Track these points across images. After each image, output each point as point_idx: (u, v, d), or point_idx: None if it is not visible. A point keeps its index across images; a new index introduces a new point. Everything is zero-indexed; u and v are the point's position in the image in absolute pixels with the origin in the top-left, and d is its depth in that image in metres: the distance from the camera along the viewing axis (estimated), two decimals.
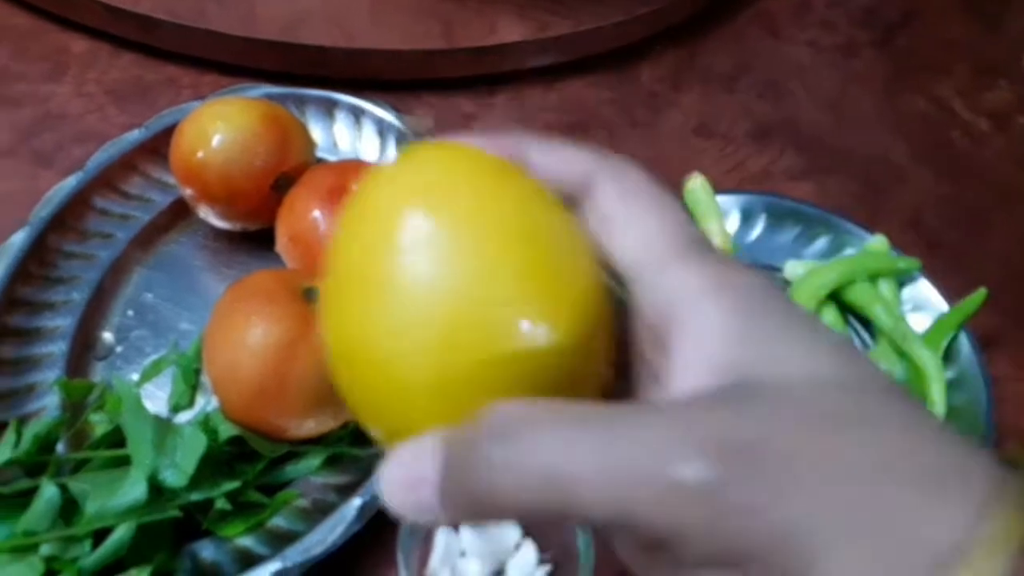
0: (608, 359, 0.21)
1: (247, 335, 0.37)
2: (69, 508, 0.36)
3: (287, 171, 0.47)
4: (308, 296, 0.40)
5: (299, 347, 0.37)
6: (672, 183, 0.54)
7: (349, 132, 0.54)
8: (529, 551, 0.40)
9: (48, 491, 0.35)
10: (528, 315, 0.19)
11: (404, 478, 0.19)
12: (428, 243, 0.19)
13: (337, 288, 0.21)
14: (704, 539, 0.16)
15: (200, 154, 0.45)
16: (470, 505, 0.18)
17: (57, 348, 0.45)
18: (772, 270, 0.55)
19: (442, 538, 0.40)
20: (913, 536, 0.16)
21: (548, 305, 0.19)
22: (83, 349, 0.46)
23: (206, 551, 0.39)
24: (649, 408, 0.20)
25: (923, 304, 0.53)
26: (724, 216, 0.54)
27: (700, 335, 0.19)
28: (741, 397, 0.18)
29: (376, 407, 0.21)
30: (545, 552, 0.40)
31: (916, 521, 0.16)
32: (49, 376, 0.43)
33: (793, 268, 0.54)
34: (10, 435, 0.37)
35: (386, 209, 0.20)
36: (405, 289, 0.19)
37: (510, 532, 0.41)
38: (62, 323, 0.46)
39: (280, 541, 0.38)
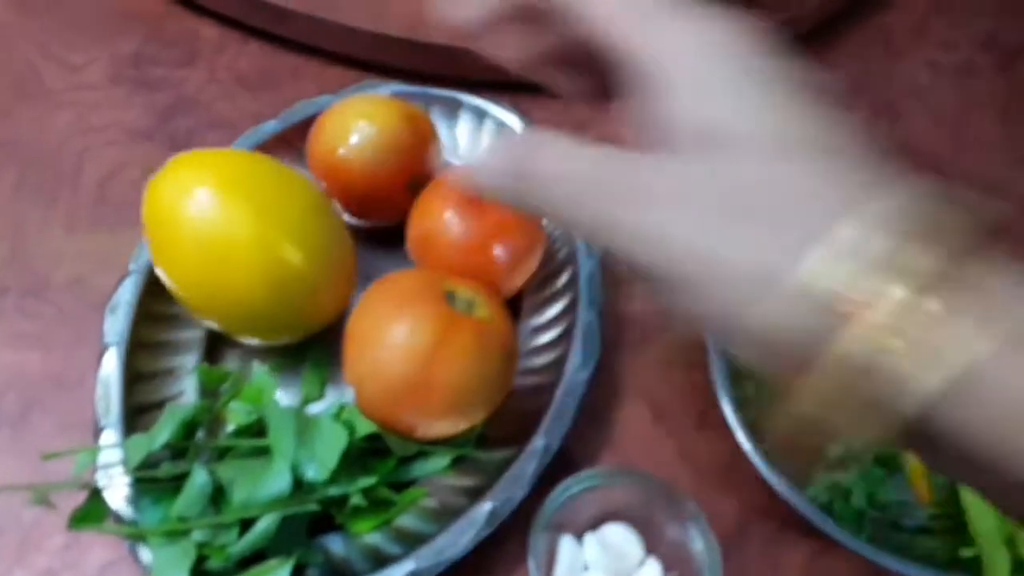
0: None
1: (392, 334, 0.38)
2: (217, 495, 0.37)
3: (420, 171, 0.47)
4: (450, 299, 0.40)
5: (443, 349, 0.37)
6: None
7: (472, 134, 0.54)
8: (654, 568, 0.40)
9: (200, 477, 0.36)
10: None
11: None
12: None
13: None
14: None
15: (341, 150, 0.46)
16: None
17: (195, 335, 0.45)
18: None
19: (567, 550, 0.40)
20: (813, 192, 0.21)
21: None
22: (218, 336, 0.46)
23: (336, 546, 0.39)
24: None
25: None
26: None
27: (677, 93, 0.23)
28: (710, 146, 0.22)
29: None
30: (670, 570, 0.40)
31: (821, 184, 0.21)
32: (188, 361, 0.44)
33: None
34: (166, 419, 0.38)
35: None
36: None
37: (633, 548, 0.41)
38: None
39: (408, 541, 0.39)
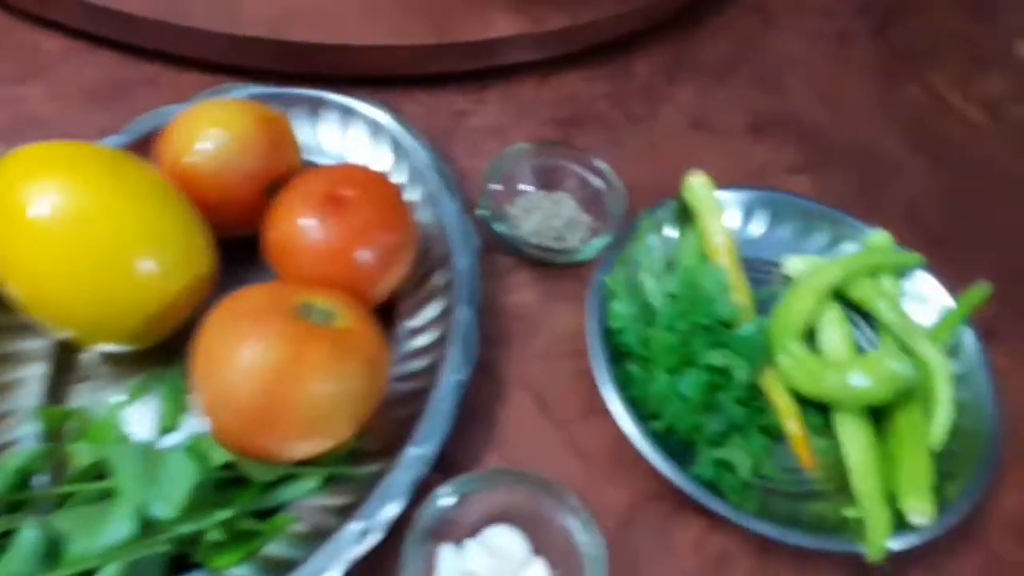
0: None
1: (239, 357, 0.35)
2: (53, 548, 0.34)
3: (279, 176, 0.45)
4: (303, 313, 0.38)
5: (295, 368, 0.35)
6: (671, 178, 0.53)
7: (336, 133, 0.52)
8: (539, 568, 0.39)
9: (29, 533, 0.33)
10: None
11: None
12: None
13: None
14: None
15: (190, 158, 0.43)
16: None
17: (35, 371, 0.42)
18: (771, 265, 0.54)
19: (446, 559, 0.38)
20: None
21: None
22: (62, 371, 0.43)
23: None
24: None
25: (923, 299, 0.52)
26: (724, 212, 0.53)
27: None
28: None
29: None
30: (557, 567, 0.39)
31: None
32: (27, 403, 0.41)
33: (793, 264, 0.53)
34: None
35: None
36: None
37: (517, 549, 0.39)
38: (40, 345, 0.43)
39: (278, 570, 0.37)
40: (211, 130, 0.43)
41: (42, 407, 0.40)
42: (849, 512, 0.43)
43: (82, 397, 0.43)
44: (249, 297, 0.38)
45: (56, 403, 0.42)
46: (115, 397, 0.43)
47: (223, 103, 0.44)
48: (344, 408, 0.37)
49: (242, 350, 0.36)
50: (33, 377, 0.42)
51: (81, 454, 0.37)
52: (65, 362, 0.44)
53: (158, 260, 0.39)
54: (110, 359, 0.44)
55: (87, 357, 0.44)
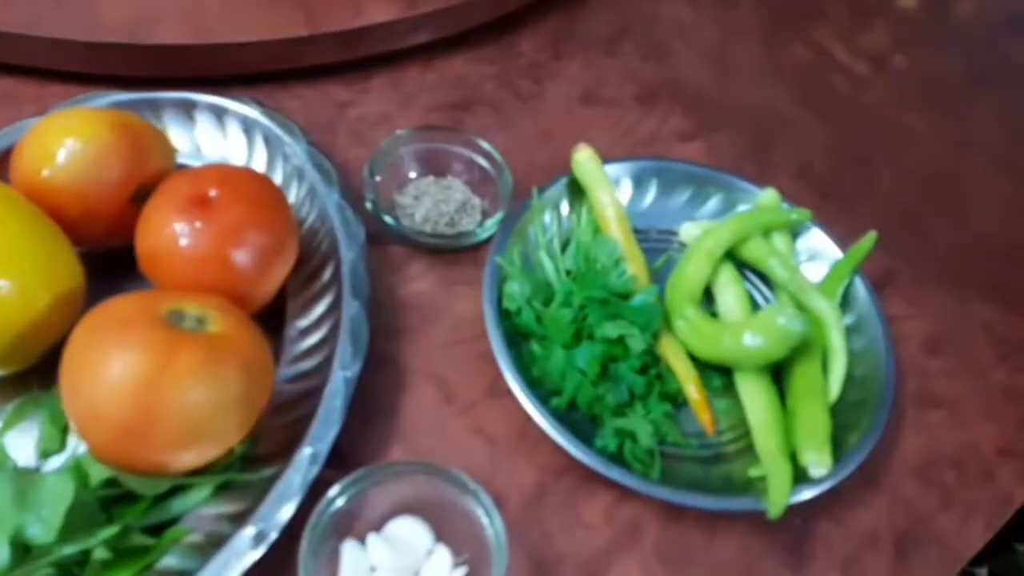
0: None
1: (104, 370, 0.34)
2: None
3: (146, 182, 0.43)
4: (173, 320, 0.37)
5: (163, 377, 0.34)
6: (562, 155, 0.52)
7: (213, 134, 0.50)
8: (443, 556, 0.38)
9: None
10: None
11: None
12: None
13: None
14: None
15: (46, 172, 0.41)
16: None
17: None
18: (669, 234, 0.54)
19: (350, 556, 0.38)
20: None
21: None
22: None
23: None
24: None
25: (818, 253, 0.53)
26: (615, 185, 0.53)
27: None
28: None
29: None
30: (459, 556, 0.39)
31: None
32: None
33: (688, 230, 0.53)
34: None
35: None
36: None
37: (422, 539, 0.39)
38: None
39: None
40: (65, 140, 0.41)
41: None
42: (754, 472, 0.44)
43: None
44: (114, 307, 0.37)
45: None
46: None
47: (76, 112, 0.43)
48: (223, 415, 0.36)
49: (108, 362, 0.34)
50: None
51: None
52: None
53: (15, 281, 0.37)
54: None
55: None
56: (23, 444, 0.40)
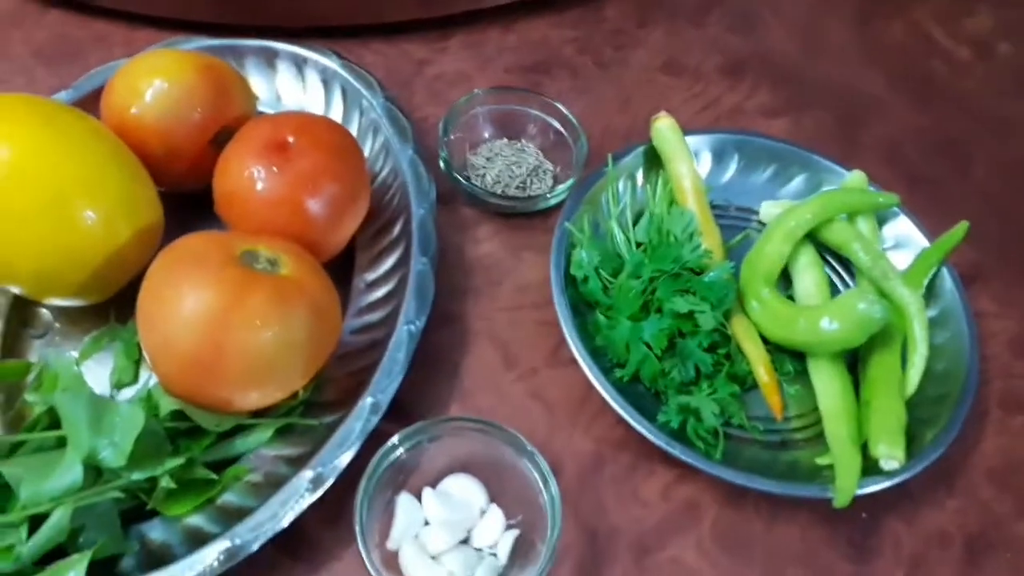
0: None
1: (178, 305, 0.35)
2: (3, 494, 0.34)
3: (227, 125, 0.44)
4: (246, 260, 0.37)
5: (234, 314, 0.34)
6: (640, 124, 0.51)
7: (293, 83, 0.50)
8: (496, 516, 0.38)
9: None
10: None
11: None
12: None
13: None
14: None
15: (134, 109, 0.42)
16: None
17: None
18: (749, 212, 0.53)
19: (404, 508, 0.38)
20: None
21: None
22: (20, 326, 0.43)
23: (155, 532, 0.37)
24: None
25: (905, 241, 0.51)
26: (695, 157, 0.51)
27: None
28: None
29: None
30: (512, 517, 0.38)
31: None
32: None
33: (769, 209, 0.51)
34: None
35: None
36: None
37: (476, 498, 0.39)
38: None
39: (232, 518, 0.36)
40: (152, 80, 0.42)
41: None
42: (822, 460, 0.42)
43: (41, 352, 0.43)
44: (190, 244, 0.37)
45: (14, 357, 0.42)
46: (73, 352, 0.43)
47: (164, 53, 0.43)
48: (290, 356, 0.37)
49: (181, 296, 0.35)
50: None
51: (36, 405, 0.36)
52: (22, 317, 0.44)
53: (100, 211, 0.38)
54: (66, 314, 0.44)
55: (45, 313, 0.44)
56: (99, 374, 0.42)
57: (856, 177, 0.51)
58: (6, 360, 0.41)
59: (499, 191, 0.50)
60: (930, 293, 0.48)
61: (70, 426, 0.35)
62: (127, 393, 0.41)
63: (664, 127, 0.50)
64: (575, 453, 0.43)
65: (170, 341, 0.35)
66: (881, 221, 0.51)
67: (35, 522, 0.34)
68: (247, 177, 0.40)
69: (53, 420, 0.37)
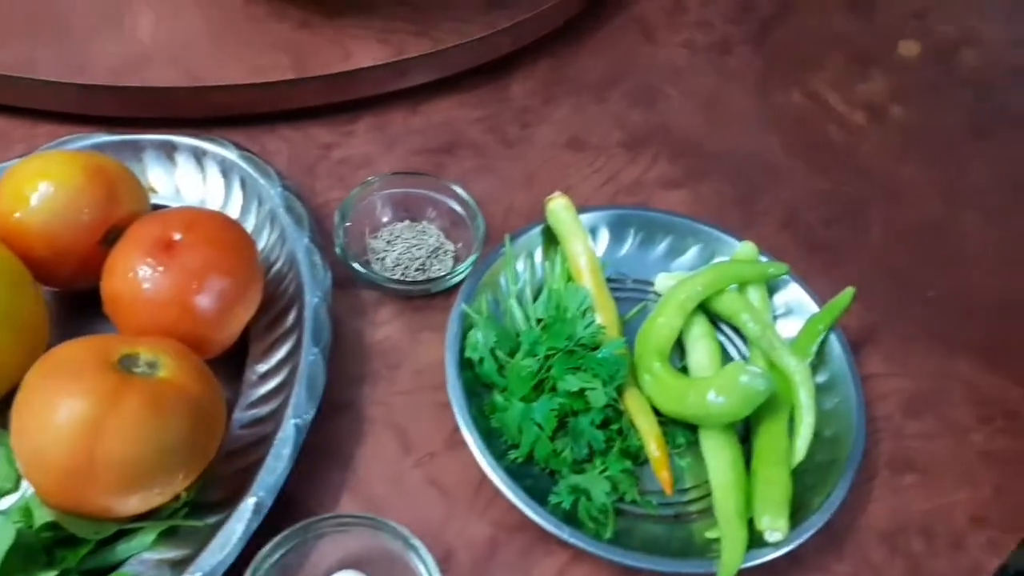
0: None
1: (50, 415, 0.35)
2: None
3: (116, 224, 0.44)
4: (127, 364, 0.37)
5: (108, 421, 0.34)
6: (543, 201, 0.52)
7: (193, 176, 0.51)
8: None
9: None
10: None
11: None
12: None
13: None
14: None
15: (18, 215, 0.43)
16: None
17: None
18: (645, 284, 0.54)
19: None
20: None
21: None
22: None
23: None
24: None
25: (796, 308, 0.52)
26: (592, 233, 0.53)
27: None
28: None
29: None
30: None
31: None
32: None
33: (663, 281, 0.53)
34: None
35: None
36: None
37: None
38: None
39: None
40: (37, 184, 0.43)
41: None
42: (711, 534, 0.43)
43: None
44: (67, 352, 0.37)
45: None
46: None
47: (51, 155, 0.44)
48: (168, 461, 0.37)
49: (53, 406, 0.35)
50: None
51: None
52: None
53: None
54: None
55: None
56: None
57: (746, 248, 0.53)
58: None
59: (399, 274, 0.51)
60: (819, 359, 0.50)
61: None
62: (9, 500, 0.40)
63: (558, 207, 0.51)
64: (470, 539, 0.43)
65: (42, 452, 0.35)
66: (773, 289, 0.53)
67: None
68: (132, 278, 0.41)
69: None
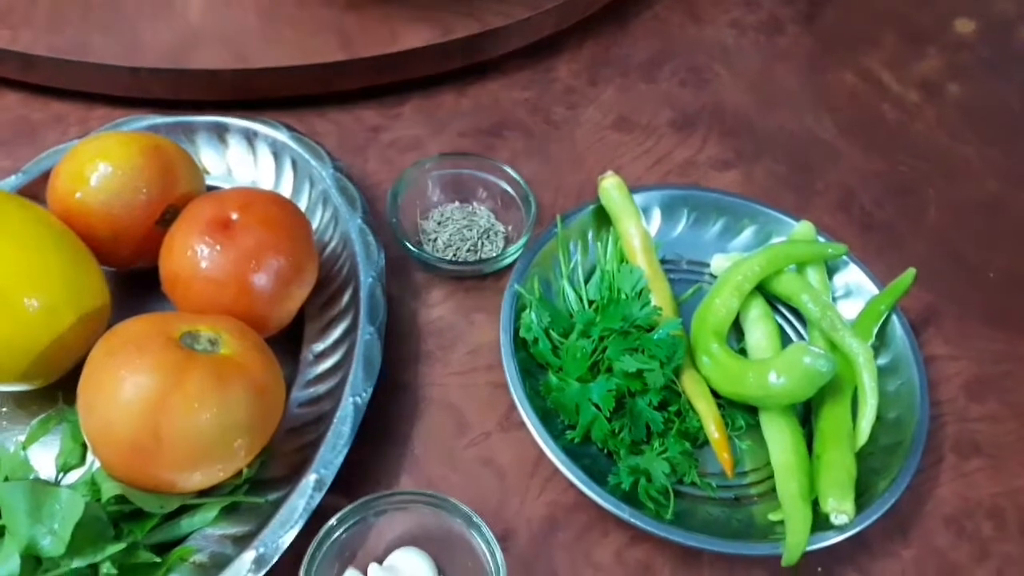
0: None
1: (116, 390, 0.35)
2: None
3: (173, 204, 0.44)
4: (188, 340, 0.37)
5: (172, 398, 0.35)
6: (592, 182, 0.52)
7: (244, 157, 0.51)
8: None
9: None
10: None
11: None
12: None
13: None
14: None
15: (78, 194, 0.43)
16: None
17: None
18: (699, 265, 0.53)
19: None
20: None
21: None
22: None
23: None
24: None
25: (856, 289, 0.51)
26: (645, 214, 0.52)
27: None
28: None
29: None
30: None
31: None
32: None
33: (719, 262, 0.52)
34: None
35: None
36: None
37: (423, 572, 0.38)
38: None
39: None
40: (97, 164, 0.43)
41: None
42: (774, 516, 0.42)
43: None
44: (129, 329, 0.37)
45: None
46: (20, 436, 0.43)
47: (110, 136, 0.44)
48: (231, 437, 0.37)
49: (120, 382, 0.35)
50: None
51: None
52: None
53: (42, 299, 0.39)
54: (13, 398, 0.44)
55: None
56: (46, 457, 0.42)
57: (804, 228, 0.51)
58: None
59: (450, 256, 0.51)
60: (881, 341, 0.48)
61: (9, 515, 0.35)
62: (73, 476, 0.41)
63: (610, 186, 0.51)
64: (528, 519, 0.43)
65: (109, 427, 0.35)
66: (832, 270, 0.52)
67: None
68: (190, 256, 0.41)
69: None
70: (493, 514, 0.42)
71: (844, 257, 0.51)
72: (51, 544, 0.34)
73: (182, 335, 0.37)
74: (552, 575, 0.41)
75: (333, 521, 0.37)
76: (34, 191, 0.46)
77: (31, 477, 0.40)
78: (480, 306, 0.50)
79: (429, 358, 0.48)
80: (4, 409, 0.44)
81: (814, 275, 0.51)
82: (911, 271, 0.49)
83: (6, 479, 0.39)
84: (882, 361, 0.48)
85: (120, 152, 0.44)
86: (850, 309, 0.50)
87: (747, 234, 0.53)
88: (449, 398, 0.46)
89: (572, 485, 0.42)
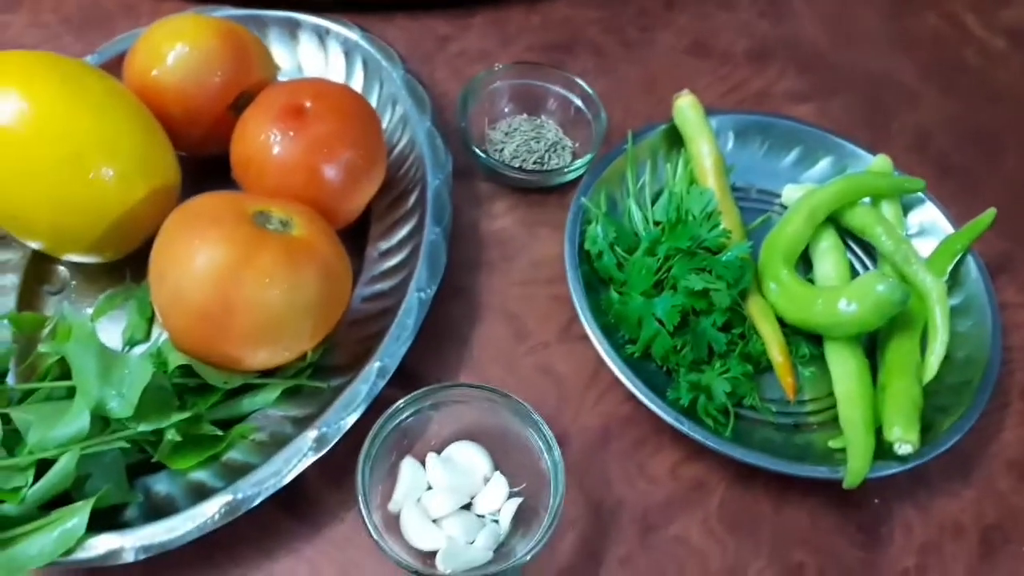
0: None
1: (189, 260, 0.35)
2: (12, 438, 0.34)
3: (247, 90, 0.44)
4: (260, 219, 0.37)
5: (244, 271, 0.35)
6: (663, 106, 0.50)
7: (315, 55, 0.51)
8: (500, 484, 0.38)
9: None
10: None
11: None
12: None
13: None
14: None
15: (155, 72, 0.43)
16: None
17: (8, 280, 0.43)
18: (769, 195, 0.52)
19: (407, 472, 0.38)
20: None
21: None
22: (36, 282, 0.44)
23: (160, 484, 0.37)
24: None
25: (930, 229, 0.49)
26: (718, 138, 0.51)
27: None
28: None
29: None
30: (516, 486, 0.38)
31: None
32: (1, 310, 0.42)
33: (791, 192, 0.50)
34: None
35: None
36: None
37: (480, 465, 0.38)
38: (13, 256, 0.44)
39: (236, 475, 0.37)
40: (174, 43, 0.43)
41: (12, 313, 0.40)
42: (835, 444, 0.41)
43: (57, 308, 0.43)
44: (204, 203, 0.37)
45: (30, 311, 0.43)
46: (88, 309, 0.43)
47: (187, 18, 0.44)
48: (299, 316, 0.37)
49: (192, 252, 0.35)
50: (5, 287, 0.42)
51: (48, 356, 0.37)
52: (40, 274, 0.44)
53: (116, 168, 0.39)
54: (83, 272, 0.45)
55: (62, 270, 0.45)
56: (112, 331, 0.42)
57: (881, 161, 0.50)
58: (18, 313, 0.41)
59: (517, 165, 0.50)
60: (954, 281, 0.47)
61: (79, 376, 0.35)
62: (138, 350, 0.41)
63: (686, 105, 0.49)
64: (582, 427, 0.43)
65: (181, 295, 0.35)
66: (906, 208, 0.50)
67: (42, 468, 0.34)
68: (263, 141, 0.41)
69: (64, 371, 0.37)
70: (549, 419, 0.42)
71: (920, 194, 0.49)
72: (119, 406, 0.35)
73: (255, 213, 0.37)
74: (605, 483, 0.41)
75: (399, 404, 0.37)
76: (108, 72, 0.46)
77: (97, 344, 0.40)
78: (543, 220, 0.49)
79: (491, 267, 0.47)
80: (74, 283, 0.44)
81: (889, 210, 0.49)
82: (991, 211, 0.47)
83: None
84: (954, 301, 0.46)
85: (197, 33, 0.43)
86: (923, 248, 0.49)
87: (821, 166, 0.52)
88: (509, 307, 0.46)
89: (628, 399, 0.41)
